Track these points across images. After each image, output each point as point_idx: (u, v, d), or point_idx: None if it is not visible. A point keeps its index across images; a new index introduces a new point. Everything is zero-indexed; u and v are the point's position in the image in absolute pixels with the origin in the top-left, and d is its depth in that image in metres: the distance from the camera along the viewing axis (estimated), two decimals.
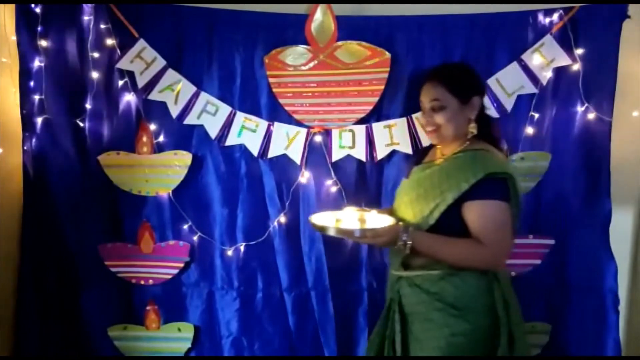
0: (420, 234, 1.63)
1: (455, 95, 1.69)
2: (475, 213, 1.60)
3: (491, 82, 2.20)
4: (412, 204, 1.72)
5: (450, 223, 1.63)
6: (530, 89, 2.20)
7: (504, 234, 1.60)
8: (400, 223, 1.66)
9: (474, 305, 1.63)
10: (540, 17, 2.18)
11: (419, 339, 1.66)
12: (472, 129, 1.71)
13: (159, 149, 2.25)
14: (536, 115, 2.22)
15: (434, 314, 1.64)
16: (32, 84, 2.16)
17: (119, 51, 2.17)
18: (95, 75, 2.18)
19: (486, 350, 1.63)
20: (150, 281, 2.32)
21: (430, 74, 1.76)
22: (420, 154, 2.00)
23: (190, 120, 2.23)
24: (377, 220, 1.72)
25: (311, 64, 2.21)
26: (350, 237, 1.69)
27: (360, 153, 2.24)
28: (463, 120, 1.71)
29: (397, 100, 2.24)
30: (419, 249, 1.61)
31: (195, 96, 2.22)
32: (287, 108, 2.24)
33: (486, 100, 1.93)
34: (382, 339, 1.76)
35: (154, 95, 2.21)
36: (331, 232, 1.64)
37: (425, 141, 2.21)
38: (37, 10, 2.12)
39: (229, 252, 2.30)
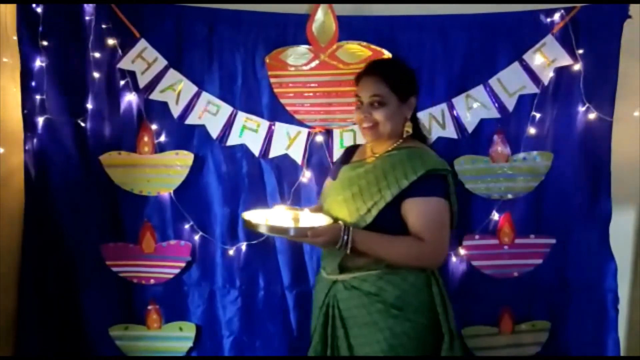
0: (361, 233, 1.58)
1: (396, 92, 1.65)
2: (416, 210, 1.58)
3: (492, 82, 2.21)
4: (347, 202, 1.65)
5: (387, 221, 1.60)
6: (532, 89, 2.21)
7: (445, 232, 1.60)
8: (340, 222, 1.61)
9: (414, 303, 1.61)
10: (542, 17, 2.19)
11: (360, 343, 1.62)
12: (408, 127, 1.69)
13: (160, 149, 2.25)
14: (537, 115, 2.23)
15: (375, 316, 1.60)
16: (33, 83, 2.16)
17: (120, 51, 2.17)
18: (96, 75, 2.18)
19: (427, 348, 1.61)
20: (152, 281, 2.32)
21: (371, 68, 1.71)
22: (346, 153, 1.91)
23: (191, 120, 2.24)
24: (312, 219, 1.68)
25: (312, 64, 2.21)
26: (284, 236, 1.63)
27: None
28: (400, 119, 1.68)
29: None
30: (359, 248, 1.56)
31: (197, 96, 2.22)
32: (288, 108, 2.24)
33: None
34: (324, 346, 1.70)
35: (155, 95, 2.21)
36: (263, 230, 1.57)
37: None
38: (39, 10, 2.11)
39: (231, 252, 2.30)
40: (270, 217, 1.67)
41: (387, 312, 1.59)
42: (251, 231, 1.79)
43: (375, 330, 1.59)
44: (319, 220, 1.66)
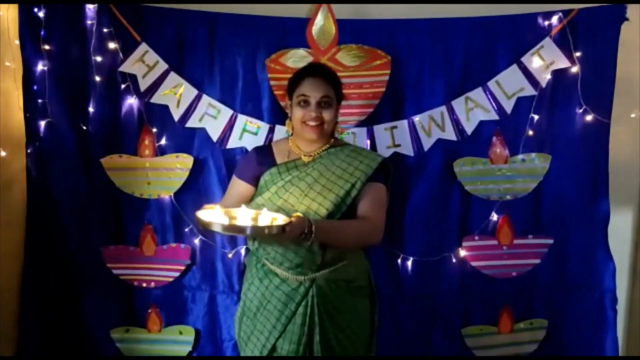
0: (320, 222, 1.62)
1: (336, 96, 1.78)
2: (367, 193, 1.75)
3: (491, 84, 2.23)
4: (316, 199, 1.71)
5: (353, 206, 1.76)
6: (530, 91, 2.23)
7: (384, 213, 1.78)
8: (299, 214, 1.59)
9: (368, 283, 1.84)
10: (540, 20, 2.21)
11: (351, 328, 1.76)
12: (338, 129, 1.87)
13: (161, 151, 2.26)
14: (536, 117, 2.25)
15: (354, 300, 1.78)
16: (35, 87, 2.16)
17: (121, 55, 2.18)
18: (98, 78, 2.19)
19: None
20: (152, 284, 2.32)
21: (316, 70, 1.78)
22: (261, 156, 1.85)
23: (192, 123, 2.25)
24: (269, 217, 1.60)
25: None
26: (242, 234, 1.66)
27: None
28: (336, 121, 1.80)
29: (398, 102, 2.26)
30: (321, 236, 1.58)
31: (197, 99, 2.23)
32: (288, 111, 2.25)
33: None
34: (310, 339, 1.73)
35: (156, 99, 2.22)
36: (217, 229, 1.47)
37: (425, 143, 2.25)
38: (41, 14, 2.12)
39: (230, 255, 2.31)
40: (229, 216, 1.58)
41: (361, 294, 1.81)
42: (206, 230, 1.82)
43: (360, 314, 1.80)
44: (279, 218, 1.60)
